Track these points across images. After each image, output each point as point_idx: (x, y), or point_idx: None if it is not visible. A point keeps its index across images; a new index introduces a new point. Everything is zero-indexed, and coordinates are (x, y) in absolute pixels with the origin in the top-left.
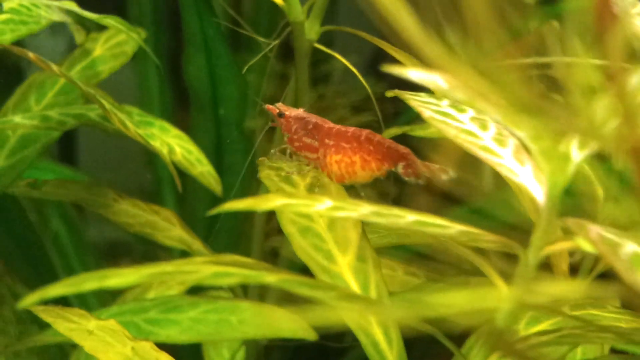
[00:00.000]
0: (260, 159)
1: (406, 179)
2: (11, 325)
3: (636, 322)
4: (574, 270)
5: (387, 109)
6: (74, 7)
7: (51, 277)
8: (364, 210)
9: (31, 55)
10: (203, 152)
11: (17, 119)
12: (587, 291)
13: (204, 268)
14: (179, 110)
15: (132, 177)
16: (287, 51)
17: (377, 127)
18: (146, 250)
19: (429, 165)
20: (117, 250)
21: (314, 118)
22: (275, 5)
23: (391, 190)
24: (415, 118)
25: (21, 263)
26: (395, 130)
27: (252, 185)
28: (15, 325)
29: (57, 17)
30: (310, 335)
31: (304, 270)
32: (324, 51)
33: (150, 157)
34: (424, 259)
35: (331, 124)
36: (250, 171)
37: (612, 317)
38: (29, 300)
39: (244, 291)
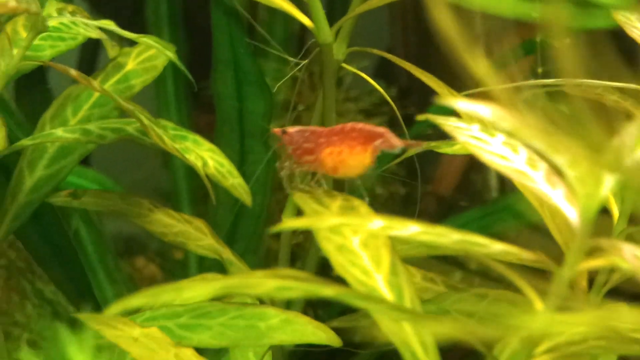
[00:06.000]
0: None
1: (382, 149)
2: (33, 321)
3: None
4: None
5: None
6: (113, 26)
7: (79, 274)
8: (413, 229)
9: (73, 72)
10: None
11: (59, 132)
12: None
13: (266, 282)
14: (195, 113)
15: (147, 177)
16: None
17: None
18: (159, 247)
19: (404, 140)
20: (132, 247)
21: (312, 127)
22: (290, 18)
23: (400, 190)
24: (431, 125)
25: (53, 264)
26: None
27: (275, 195)
28: (38, 321)
29: (95, 34)
30: (336, 342)
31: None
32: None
33: (165, 157)
34: (441, 262)
35: (325, 128)
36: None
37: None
38: (114, 309)
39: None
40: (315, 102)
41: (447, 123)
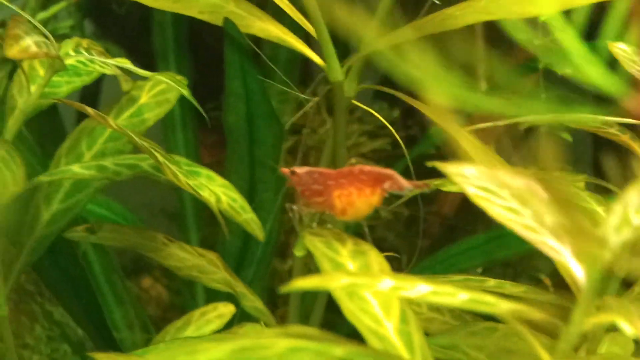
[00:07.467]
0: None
1: (390, 191)
2: (43, 343)
3: None
4: None
5: (400, 136)
6: (128, 64)
7: (92, 304)
8: (422, 288)
9: (90, 110)
10: (237, 189)
11: (75, 168)
12: None
13: (278, 342)
14: (202, 132)
15: (154, 199)
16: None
17: (393, 152)
18: (163, 268)
19: (411, 182)
20: (138, 266)
21: (320, 169)
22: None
23: (404, 211)
24: (434, 145)
25: (67, 294)
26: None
27: (284, 220)
28: (47, 343)
29: (110, 71)
30: None
31: None
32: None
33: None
34: None
35: (333, 170)
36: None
37: None
38: None
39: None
40: (320, 126)
41: (454, 171)
